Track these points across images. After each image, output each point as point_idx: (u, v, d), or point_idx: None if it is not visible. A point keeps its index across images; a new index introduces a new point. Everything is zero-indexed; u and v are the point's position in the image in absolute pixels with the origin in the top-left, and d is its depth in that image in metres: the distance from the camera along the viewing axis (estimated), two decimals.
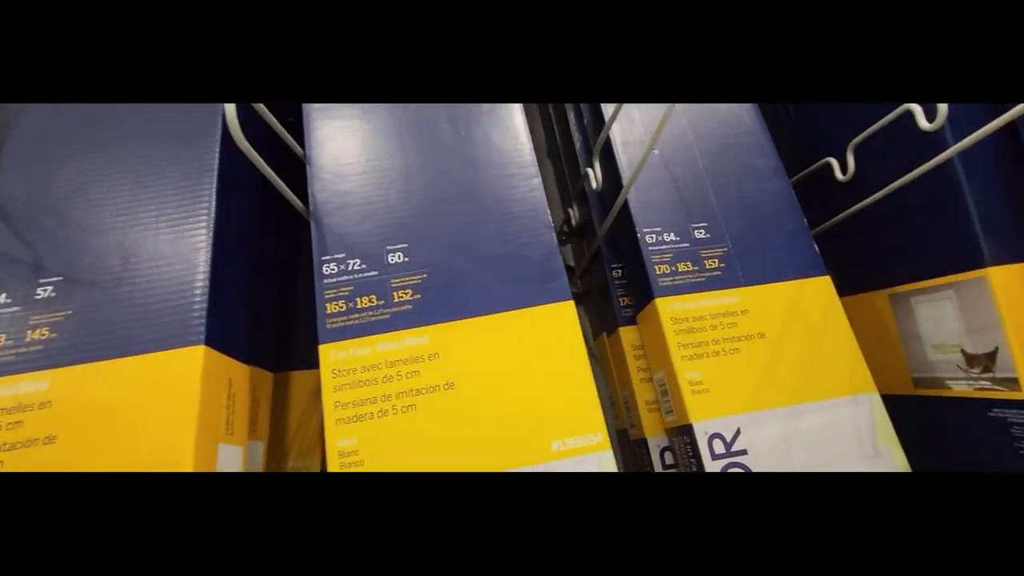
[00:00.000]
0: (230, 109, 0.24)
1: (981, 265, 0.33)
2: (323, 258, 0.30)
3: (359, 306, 0.29)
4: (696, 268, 0.36)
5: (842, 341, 0.35)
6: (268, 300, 0.39)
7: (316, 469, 0.40)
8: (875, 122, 0.38)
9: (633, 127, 0.41)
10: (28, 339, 0.27)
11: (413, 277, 0.30)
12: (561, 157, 0.52)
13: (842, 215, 0.41)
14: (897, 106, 0.36)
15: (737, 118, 0.42)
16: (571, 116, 0.49)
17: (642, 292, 0.37)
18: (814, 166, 0.44)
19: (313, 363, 0.43)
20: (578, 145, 0.47)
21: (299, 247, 0.47)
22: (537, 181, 0.33)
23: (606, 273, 0.43)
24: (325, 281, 0.30)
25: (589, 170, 0.40)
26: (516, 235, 0.31)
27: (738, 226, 0.38)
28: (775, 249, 0.37)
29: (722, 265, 0.36)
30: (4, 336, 0.27)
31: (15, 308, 0.27)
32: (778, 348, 0.34)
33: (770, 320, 0.35)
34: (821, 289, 0.36)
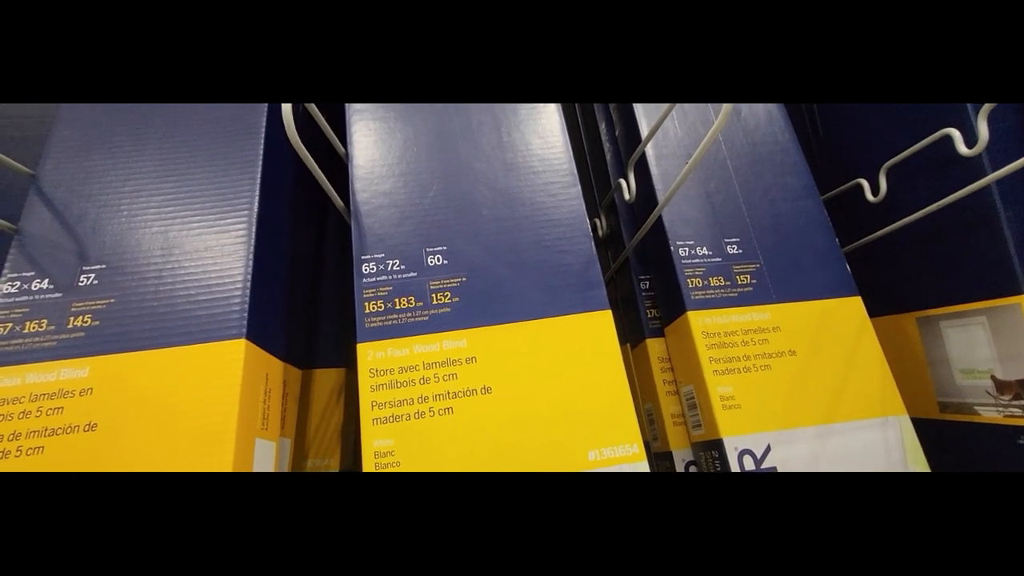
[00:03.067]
0: (287, 110, 0.24)
1: (1016, 292, 0.33)
2: (362, 257, 0.30)
3: (397, 307, 0.29)
4: (728, 283, 0.36)
5: (873, 362, 0.35)
6: (299, 297, 0.39)
7: (335, 469, 0.40)
8: (907, 144, 0.39)
9: (667, 140, 0.41)
10: (70, 325, 0.27)
11: (452, 280, 0.30)
12: (589, 167, 0.52)
13: (873, 236, 0.41)
14: (934, 129, 0.36)
15: (770, 135, 0.42)
16: (602, 127, 0.49)
17: (672, 305, 0.37)
18: (843, 186, 0.45)
19: (335, 362, 0.44)
20: (609, 156, 0.48)
21: (326, 245, 0.47)
22: (576, 190, 0.33)
23: (633, 284, 0.43)
24: (364, 280, 0.30)
25: (622, 181, 0.40)
26: (556, 243, 0.31)
27: (770, 243, 0.38)
28: (807, 267, 0.37)
29: (754, 281, 0.36)
30: (46, 321, 0.27)
31: (57, 294, 0.27)
32: (809, 367, 0.34)
33: (801, 338, 0.35)
34: (852, 309, 0.36)
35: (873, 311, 0.38)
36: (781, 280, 0.37)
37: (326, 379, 0.42)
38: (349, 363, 0.45)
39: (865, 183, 0.42)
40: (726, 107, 0.25)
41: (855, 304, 0.36)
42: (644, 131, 0.42)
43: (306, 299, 0.42)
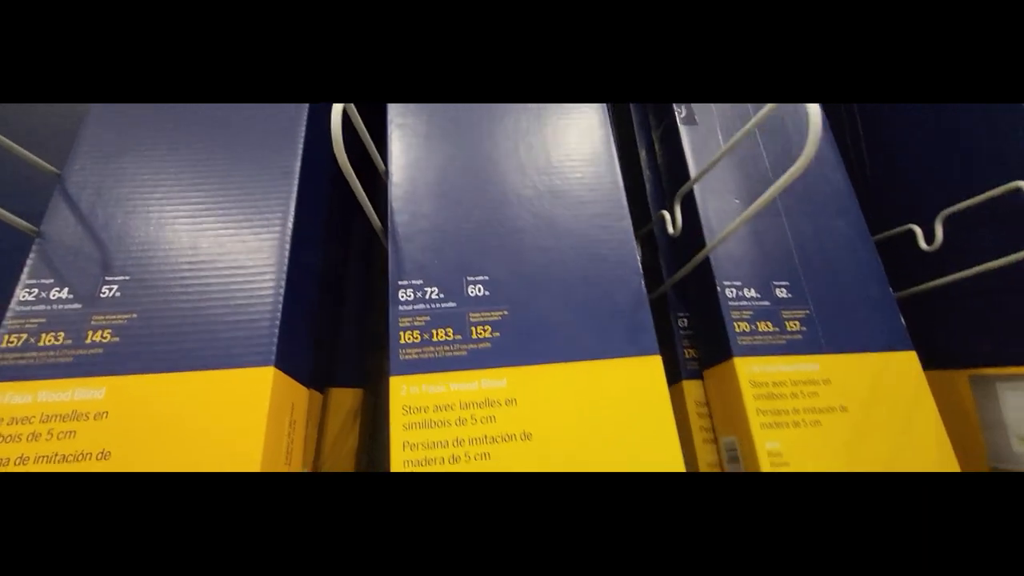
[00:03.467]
0: (336, 130, 0.23)
1: None
2: (399, 282, 0.29)
3: (435, 339, 0.27)
4: (777, 329, 0.34)
5: (928, 424, 0.33)
6: (325, 316, 0.37)
7: None
8: (962, 190, 0.37)
9: (714, 173, 0.39)
10: (88, 340, 0.25)
11: (493, 313, 0.28)
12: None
13: (927, 286, 0.39)
14: (995, 179, 0.35)
15: (822, 176, 0.40)
16: (642, 154, 0.47)
17: (716, 348, 0.35)
18: (893, 231, 0.43)
19: (352, 381, 0.42)
20: (649, 185, 0.46)
21: (351, 258, 0.46)
22: (627, 223, 0.31)
23: (671, 321, 0.41)
24: (400, 308, 0.28)
25: (665, 214, 0.39)
26: (603, 279, 0.30)
27: (821, 289, 0.36)
28: (859, 317, 0.35)
29: (803, 329, 0.34)
30: (63, 334, 0.25)
31: (77, 305, 0.26)
32: (861, 425, 0.32)
33: (853, 393, 0.33)
34: (907, 365, 0.34)
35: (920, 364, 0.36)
36: (832, 329, 0.35)
37: (342, 399, 0.41)
38: (368, 384, 0.43)
39: (918, 230, 0.40)
40: (805, 155, 0.23)
41: (910, 360, 0.35)
42: (691, 161, 0.40)
43: (328, 315, 0.41)
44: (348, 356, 0.42)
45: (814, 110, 0.23)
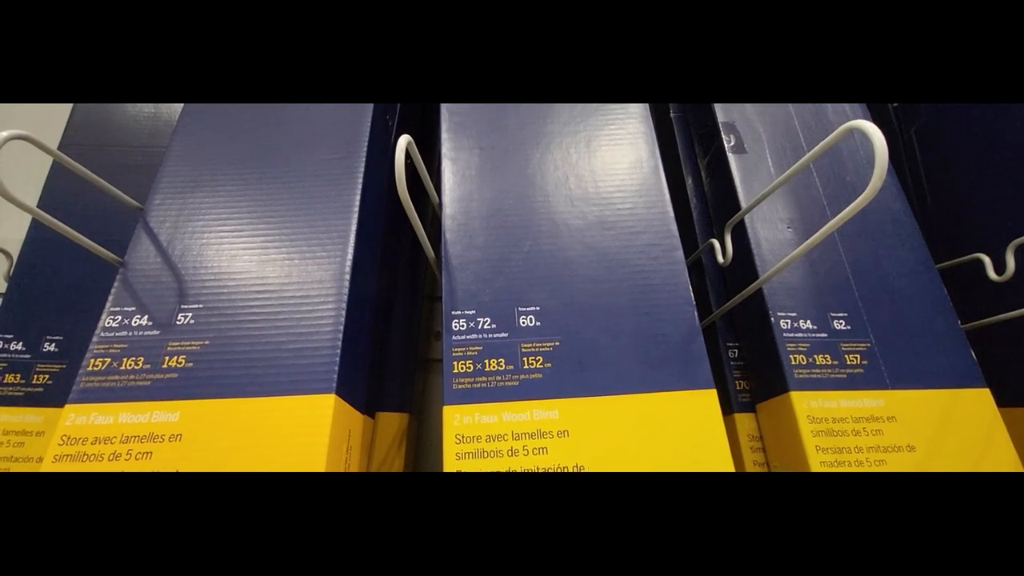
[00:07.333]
0: (399, 155, 0.24)
1: None
2: (453, 312, 0.29)
3: (487, 368, 0.28)
4: (836, 363, 0.33)
5: (1004, 465, 0.31)
6: (377, 342, 0.38)
7: None
8: None
9: (765, 201, 0.39)
10: (164, 365, 0.26)
11: (545, 344, 0.29)
12: None
13: (998, 317, 0.37)
14: None
15: (881, 203, 0.39)
16: (689, 181, 0.47)
17: (770, 381, 0.34)
18: (958, 260, 0.41)
19: (398, 406, 0.42)
20: (695, 213, 0.46)
21: (397, 285, 0.47)
22: (679, 254, 0.31)
23: (721, 352, 0.40)
24: (454, 338, 0.29)
25: (715, 243, 0.38)
26: (655, 310, 0.29)
27: (882, 320, 0.35)
28: (925, 351, 0.34)
29: (864, 362, 0.33)
30: (143, 359, 0.27)
31: (155, 332, 0.27)
32: (930, 465, 0.30)
33: (920, 433, 0.31)
34: (980, 403, 0.32)
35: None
36: (896, 363, 0.33)
37: (389, 423, 0.41)
38: (413, 409, 0.44)
39: (987, 259, 0.38)
40: (871, 187, 0.23)
41: (983, 397, 0.33)
42: (741, 190, 0.40)
43: (376, 340, 0.42)
44: (394, 381, 0.43)
45: (879, 140, 0.23)
